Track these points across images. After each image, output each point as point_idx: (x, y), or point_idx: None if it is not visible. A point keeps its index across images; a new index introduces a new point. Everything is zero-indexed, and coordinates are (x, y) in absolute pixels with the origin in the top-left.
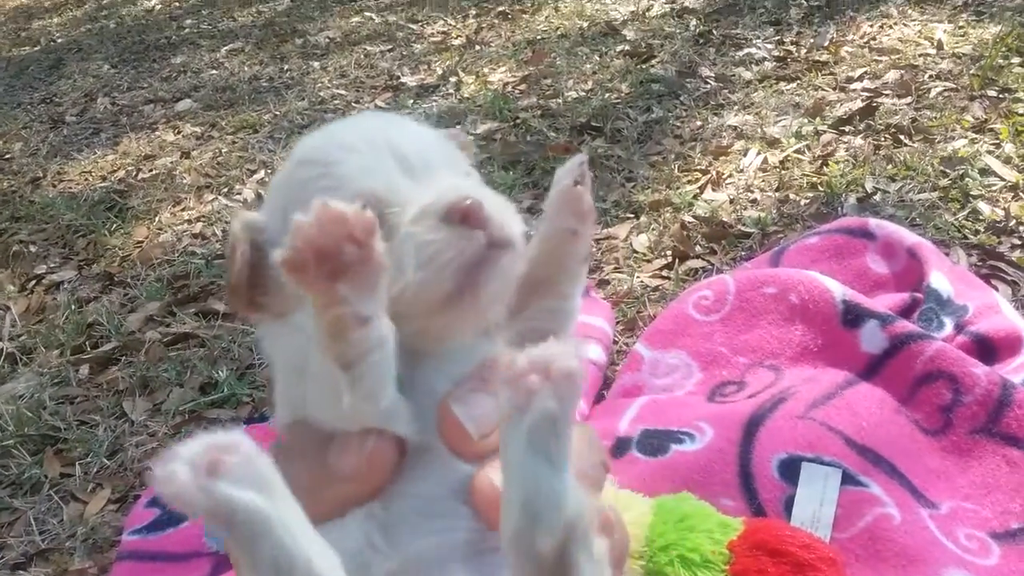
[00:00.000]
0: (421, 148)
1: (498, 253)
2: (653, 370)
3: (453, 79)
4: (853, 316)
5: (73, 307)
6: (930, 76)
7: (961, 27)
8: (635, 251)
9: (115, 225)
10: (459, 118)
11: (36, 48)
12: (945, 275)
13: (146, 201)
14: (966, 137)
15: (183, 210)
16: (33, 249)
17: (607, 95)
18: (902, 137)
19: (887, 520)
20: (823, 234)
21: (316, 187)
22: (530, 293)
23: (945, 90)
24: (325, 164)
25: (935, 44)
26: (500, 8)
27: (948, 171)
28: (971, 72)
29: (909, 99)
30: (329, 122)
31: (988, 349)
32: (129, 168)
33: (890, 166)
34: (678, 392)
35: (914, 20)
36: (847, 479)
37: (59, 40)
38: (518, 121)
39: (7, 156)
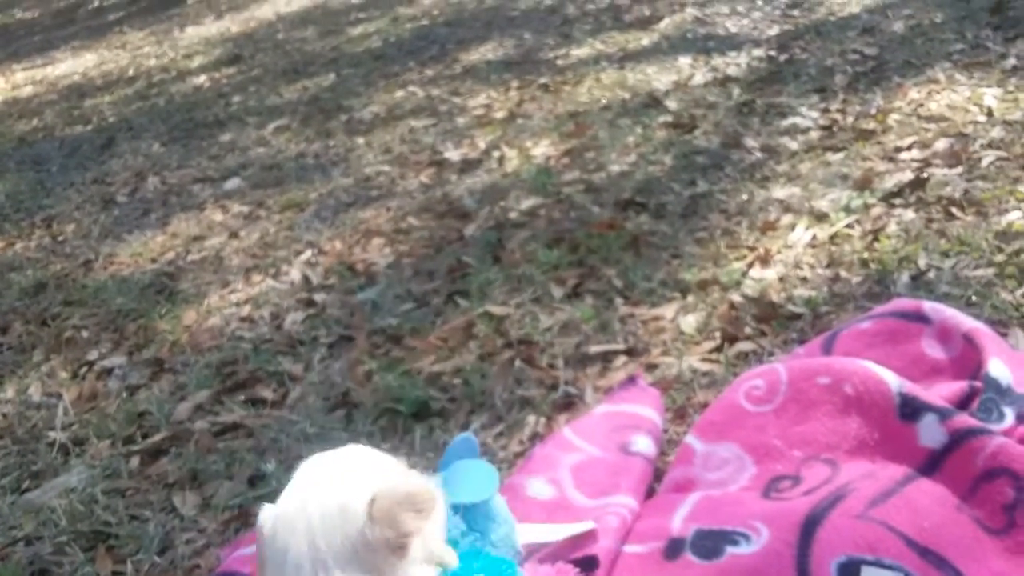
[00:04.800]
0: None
1: None
2: (705, 463)
3: (496, 153)
4: (911, 409)
5: (124, 395)
6: (981, 145)
7: (1011, 92)
8: (683, 332)
9: (165, 309)
10: (502, 194)
11: (88, 127)
12: (1004, 362)
13: (195, 284)
14: (1020, 209)
15: (231, 292)
16: (85, 334)
17: (651, 168)
18: (954, 210)
19: None
20: (876, 318)
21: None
22: None
23: (997, 159)
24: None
25: (985, 111)
26: (542, 80)
27: (1003, 246)
28: (1023, 141)
29: (960, 169)
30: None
31: None
32: (179, 250)
33: (943, 241)
34: (731, 487)
35: (962, 85)
36: None
37: (111, 119)
38: (561, 197)
39: (60, 238)
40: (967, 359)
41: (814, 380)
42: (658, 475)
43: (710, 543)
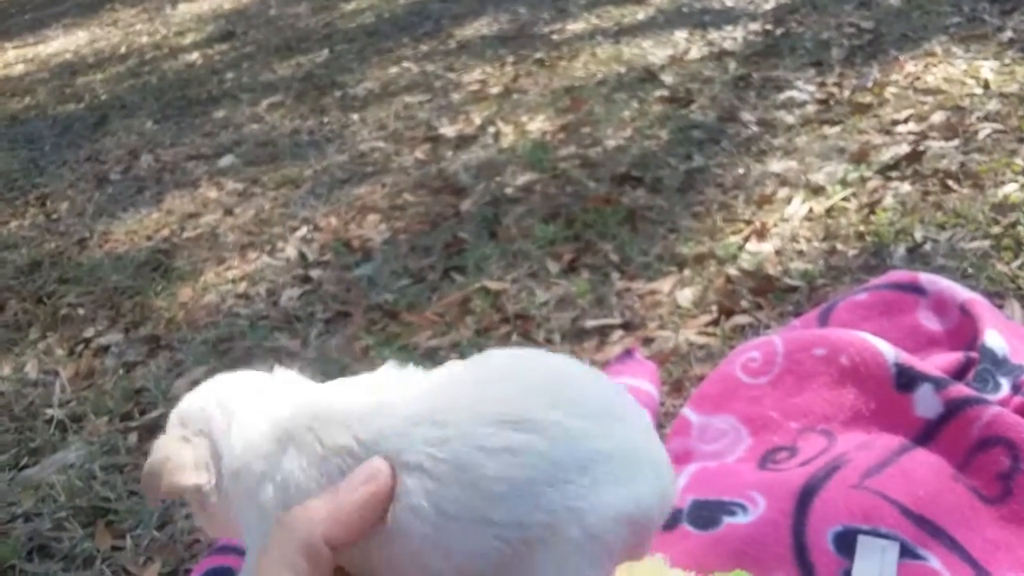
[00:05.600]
0: None
1: None
2: (701, 435)
3: (492, 129)
4: (906, 380)
5: (121, 372)
6: (978, 117)
7: (1007, 64)
8: (679, 306)
9: (160, 286)
10: (498, 169)
11: (80, 105)
12: (1000, 333)
13: (191, 261)
14: (1017, 182)
15: (227, 269)
16: (81, 312)
17: (647, 143)
18: (950, 183)
19: None
20: (872, 290)
21: None
22: None
23: (993, 132)
24: None
25: (981, 83)
26: (537, 55)
27: (1000, 218)
28: (1019, 113)
29: (957, 142)
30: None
31: None
32: (173, 227)
33: (939, 214)
34: (728, 458)
35: (959, 58)
36: (905, 552)
37: (103, 97)
38: (557, 172)
39: (55, 216)
40: (963, 330)
41: (810, 352)
42: None
43: (707, 513)
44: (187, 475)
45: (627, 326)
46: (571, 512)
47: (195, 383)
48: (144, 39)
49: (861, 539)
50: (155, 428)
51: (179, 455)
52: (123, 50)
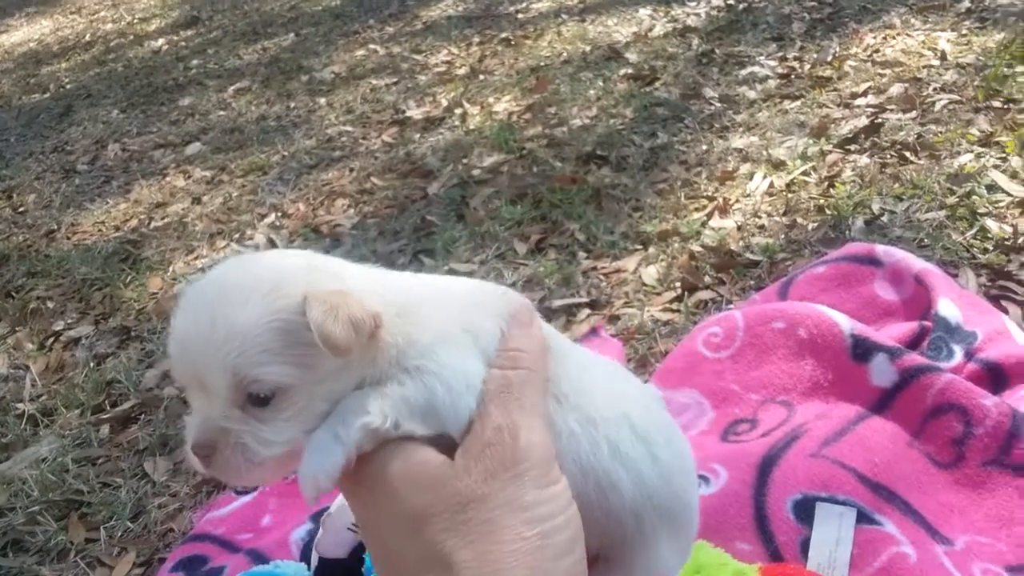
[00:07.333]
0: (205, 369)
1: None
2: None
3: (458, 111)
4: (862, 350)
5: (92, 364)
6: (934, 89)
7: (964, 35)
8: (644, 284)
9: (130, 277)
10: (465, 151)
11: (46, 95)
12: (953, 301)
13: (159, 251)
14: (972, 151)
15: (196, 258)
16: (50, 305)
17: (612, 121)
18: (907, 154)
19: (903, 559)
20: (830, 262)
21: None
22: None
23: (950, 103)
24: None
25: (939, 55)
26: (503, 35)
27: (955, 188)
28: (975, 83)
29: (914, 113)
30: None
31: (998, 376)
32: (141, 217)
33: (896, 185)
34: (691, 432)
35: (917, 30)
36: (861, 517)
37: (68, 86)
38: (524, 152)
39: (21, 209)
40: (918, 300)
41: (769, 325)
42: None
43: None
44: (372, 301)
45: (593, 304)
46: (692, 512)
47: (166, 374)
48: (109, 26)
49: (819, 506)
50: (127, 420)
51: (351, 294)
52: (88, 38)
